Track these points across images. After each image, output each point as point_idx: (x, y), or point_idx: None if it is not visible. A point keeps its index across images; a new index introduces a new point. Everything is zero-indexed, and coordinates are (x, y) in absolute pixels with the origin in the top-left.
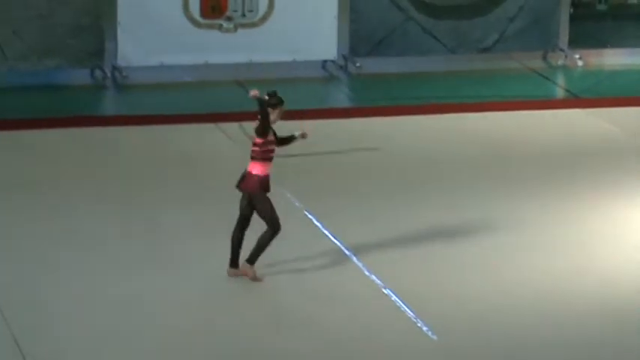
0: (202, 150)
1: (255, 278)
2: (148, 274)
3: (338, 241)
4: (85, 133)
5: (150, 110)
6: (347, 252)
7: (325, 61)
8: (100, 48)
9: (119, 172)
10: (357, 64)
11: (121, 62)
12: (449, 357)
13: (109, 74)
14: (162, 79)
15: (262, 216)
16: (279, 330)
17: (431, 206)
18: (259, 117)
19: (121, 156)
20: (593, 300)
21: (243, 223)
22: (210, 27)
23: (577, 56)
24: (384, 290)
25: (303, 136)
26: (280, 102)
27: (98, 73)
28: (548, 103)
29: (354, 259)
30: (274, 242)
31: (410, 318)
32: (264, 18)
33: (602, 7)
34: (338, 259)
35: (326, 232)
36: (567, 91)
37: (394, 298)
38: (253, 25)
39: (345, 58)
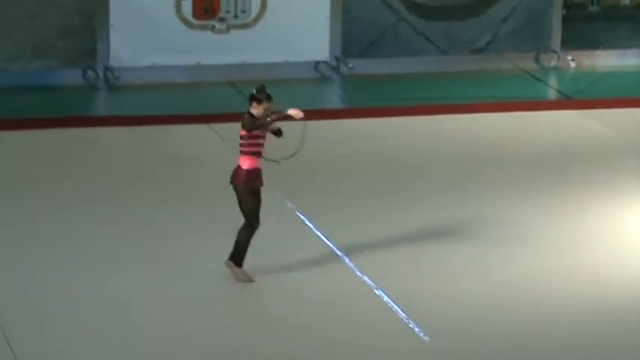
0: (195, 151)
1: (247, 279)
2: (137, 273)
3: (330, 241)
4: (77, 133)
5: (142, 111)
6: (339, 252)
7: (317, 62)
8: (93, 48)
9: (111, 173)
10: (350, 65)
11: (113, 63)
12: (440, 358)
13: (101, 75)
14: (154, 79)
15: (242, 209)
16: (270, 330)
17: (423, 207)
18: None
19: (113, 156)
20: (586, 300)
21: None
22: (203, 28)
23: (569, 57)
24: (375, 291)
25: (297, 115)
26: (268, 98)
27: (90, 73)
28: (541, 105)
29: (346, 259)
30: (265, 242)
31: (402, 319)
32: (257, 19)
33: (594, 8)
34: (330, 259)
35: (318, 233)
36: (559, 92)
37: (386, 298)
38: (246, 26)
39: (337, 59)
